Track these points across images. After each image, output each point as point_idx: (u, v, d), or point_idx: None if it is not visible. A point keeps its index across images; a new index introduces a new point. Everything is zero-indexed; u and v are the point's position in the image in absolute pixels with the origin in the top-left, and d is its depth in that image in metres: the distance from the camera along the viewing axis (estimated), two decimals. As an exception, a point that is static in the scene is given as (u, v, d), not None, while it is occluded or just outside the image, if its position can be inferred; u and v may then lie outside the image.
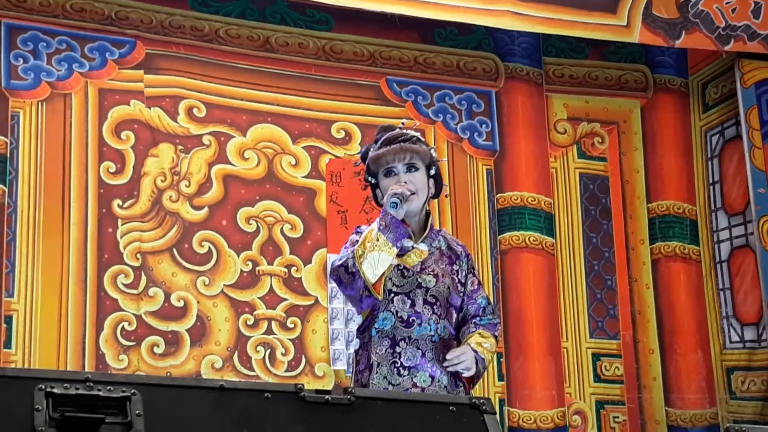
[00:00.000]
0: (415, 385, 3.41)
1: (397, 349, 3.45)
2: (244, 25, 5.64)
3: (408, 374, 3.43)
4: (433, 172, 3.58)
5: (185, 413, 1.74)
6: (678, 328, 6.03)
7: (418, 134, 3.63)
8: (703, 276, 6.10)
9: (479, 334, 3.55)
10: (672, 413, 5.95)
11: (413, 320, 3.46)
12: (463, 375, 3.48)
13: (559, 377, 5.83)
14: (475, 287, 3.65)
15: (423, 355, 3.45)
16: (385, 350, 3.45)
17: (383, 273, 3.40)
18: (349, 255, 3.40)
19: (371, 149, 3.59)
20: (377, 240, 3.37)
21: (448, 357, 3.43)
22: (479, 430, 1.93)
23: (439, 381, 3.45)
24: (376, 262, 3.37)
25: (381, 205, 3.58)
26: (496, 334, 3.61)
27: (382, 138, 3.57)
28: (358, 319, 3.60)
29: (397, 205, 3.39)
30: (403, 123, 3.72)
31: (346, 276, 3.40)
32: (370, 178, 3.60)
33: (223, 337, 5.34)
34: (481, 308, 3.62)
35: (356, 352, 3.57)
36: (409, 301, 3.48)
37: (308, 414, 1.84)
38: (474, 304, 3.62)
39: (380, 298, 3.42)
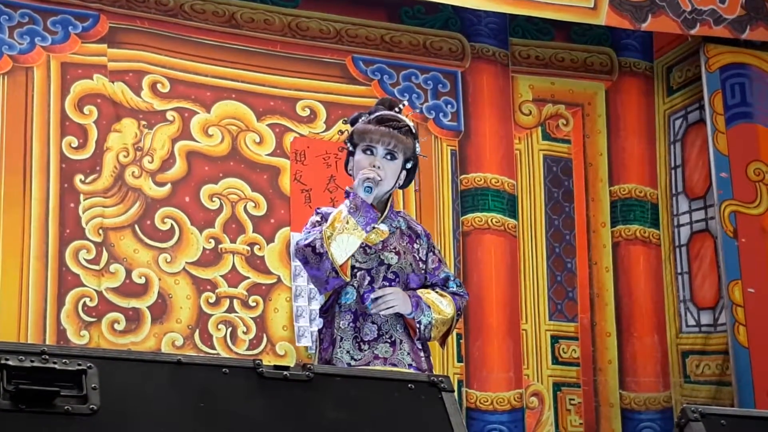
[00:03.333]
0: (376, 357, 3.43)
1: (358, 324, 3.47)
2: (210, 1, 5.59)
3: (368, 348, 3.45)
4: (409, 165, 3.61)
5: (142, 387, 1.74)
6: (635, 311, 6.07)
7: (412, 124, 3.64)
8: (662, 260, 6.15)
9: (437, 291, 3.58)
10: (626, 396, 6.00)
11: (367, 296, 3.48)
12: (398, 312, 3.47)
13: (518, 359, 5.85)
14: (437, 264, 3.67)
15: (379, 329, 3.48)
16: (348, 324, 3.48)
17: (350, 255, 3.41)
18: (317, 236, 3.40)
19: (362, 117, 3.60)
20: (347, 223, 3.39)
21: (372, 296, 3.43)
22: (437, 408, 1.94)
23: (401, 349, 3.47)
24: (345, 245, 3.38)
25: (348, 173, 3.62)
26: (459, 303, 3.61)
27: (377, 113, 3.58)
28: (320, 299, 3.60)
29: (371, 189, 3.40)
30: (404, 104, 3.72)
31: (313, 256, 3.40)
32: (349, 146, 3.60)
33: (185, 315, 5.32)
34: (442, 281, 3.64)
35: (320, 331, 3.59)
36: (369, 278, 3.50)
37: (266, 390, 1.84)
38: (436, 278, 3.64)
39: (348, 279, 3.44)
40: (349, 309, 3.49)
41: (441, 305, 3.55)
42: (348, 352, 3.45)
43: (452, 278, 3.69)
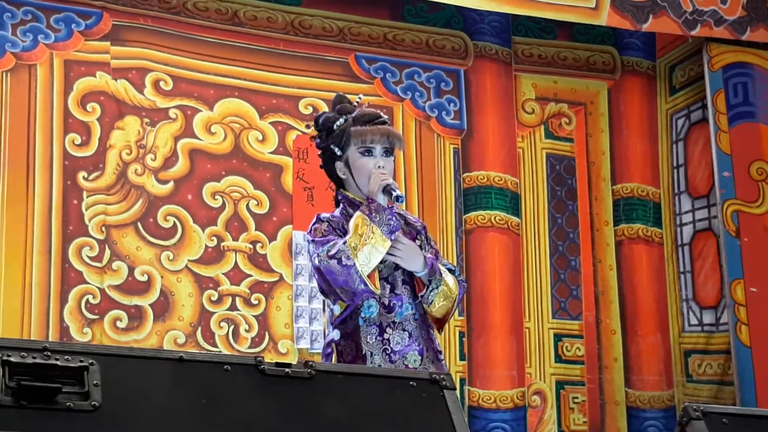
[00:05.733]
0: (407, 367, 3.40)
1: (386, 336, 3.42)
2: (213, -2, 5.61)
3: (399, 358, 3.41)
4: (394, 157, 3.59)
5: (144, 384, 1.74)
6: (639, 310, 6.08)
7: (386, 117, 3.64)
8: (664, 259, 6.15)
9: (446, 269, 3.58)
10: (631, 394, 6.00)
11: (394, 304, 3.45)
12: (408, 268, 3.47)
13: (521, 357, 5.85)
14: (434, 256, 3.65)
15: (410, 335, 3.45)
16: (375, 338, 3.42)
17: (377, 265, 3.37)
18: (341, 246, 3.32)
19: (340, 119, 3.53)
20: (372, 232, 3.35)
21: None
22: (439, 406, 1.94)
23: (426, 357, 3.46)
24: (371, 255, 3.34)
25: (333, 177, 3.58)
26: (461, 291, 3.60)
27: (359, 113, 3.54)
28: (335, 309, 3.51)
29: (402, 198, 3.36)
30: (360, 98, 3.69)
31: (339, 268, 3.30)
32: (336, 149, 3.54)
33: (187, 313, 5.32)
34: None
35: (336, 342, 3.49)
36: (389, 285, 3.46)
37: (268, 387, 1.83)
38: None
39: (378, 291, 3.39)
40: (373, 323, 3.43)
41: (449, 280, 3.53)
42: (380, 366, 3.41)
43: (453, 268, 3.68)
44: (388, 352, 3.42)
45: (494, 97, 6.06)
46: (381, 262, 3.42)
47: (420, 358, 3.44)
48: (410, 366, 3.41)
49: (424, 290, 3.48)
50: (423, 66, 5.97)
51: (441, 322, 3.63)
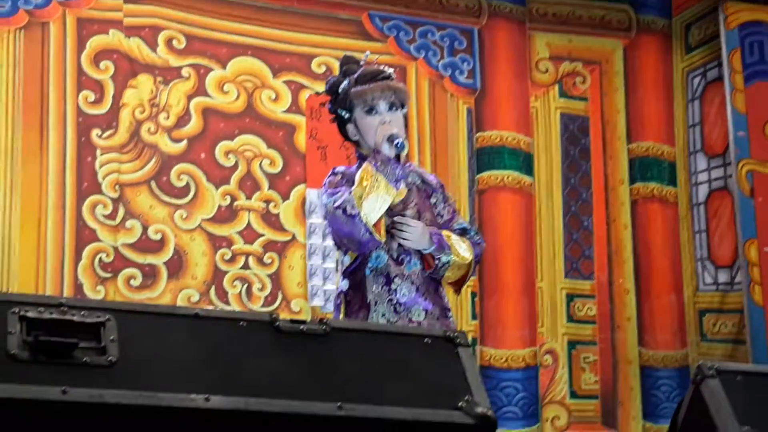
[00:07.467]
0: (411, 321, 3.42)
1: (393, 286, 3.45)
2: (226, -44, 5.57)
3: (404, 311, 3.44)
4: (405, 110, 3.57)
5: (159, 340, 1.74)
6: (653, 269, 6.07)
7: (392, 71, 3.61)
8: (679, 218, 6.13)
9: (457, 234, 3.58)
10: (644, 353, 6.01)
11: (403, 258, 3.48)
12: (416, 248, 3.48)
13: (532, 317, 5.86)
14: (451, 215, 3.67)
15: (417, 289, 3.47)
16: (381, 288, 3.45)
17: (382, 214, 3.39)
18: (347, 197, 3.35)
19: (343, 82, 3.55)
20: (376, 181, 3.35)
21: (396, 218, 3.44)
22: (453, 363, 1.94)
23: (432, 313, 3.47)
24: (376, 204, 3.35)
25: (350, 140, 3.58)
26: (477, 251, 3.61)
27: (361, 72, 3.54)
28: (345, 260, 3.55)
29: (403, 145, 3.38)
30: (367, 55, 3.68)
31: (344, 218, 3.33)
32: (343, 112, 3.56)
33: (200, 271, 5.34)
34: (459, 232, 3.63)
35: (345, 293, 3.53)
36: (393, 241, 3.48)
37: (283, 343, 1.84)
38: (452, 230, 3.63)
39: (383, 239, 3.41)
40: (381, 273, 3.46)
41: (460, 249, 3.54)
42: (383, 315, 3.43)
43: (469, 228, 3.69)
44: (393, 302, 3.45)
45: (508, 56, 6.02)
46: (388, 217, 3.44)
47: (425, 313, 3.47)
48: (414, 320, 3.44)
49: (433, 268, 3.50)
50: (437, 25, 5.93)
51: (458, 285, 3.65)
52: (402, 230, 3.46)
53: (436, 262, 3.49)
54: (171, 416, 1.64)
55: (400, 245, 3.48)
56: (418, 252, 3.50)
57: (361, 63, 3.61)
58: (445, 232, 3.56)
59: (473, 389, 1.88)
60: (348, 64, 3.61)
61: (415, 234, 3.47)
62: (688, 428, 2.07)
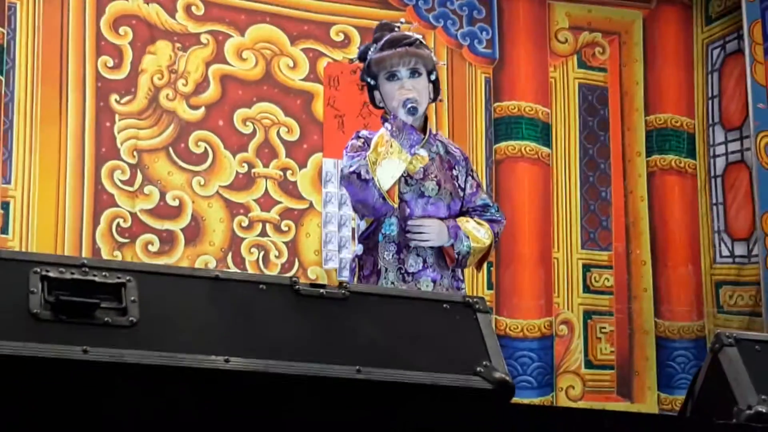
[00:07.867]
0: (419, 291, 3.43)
1: (402, 255, 3.47)
2: None
3: (412, 280, 3.46)
4: (433, 77, 3.56)
5: (180, 301, 1.75)
6: (670, 241, 6.06)
7: (420, 37, 3.59)
8: (697, 190, 6.11)
9: (475, 220, 3.58)
10: (660, 324, 6.01)
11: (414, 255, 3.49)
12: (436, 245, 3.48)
13: (548, 287, 5.87)
14: (474, 189, 3.65)
15: (424, 261, 3.48)
16: (392, 256, 3.47)
17: (396, 180, 3.39)
18: (362, 162, 3.36)
19: (371, 49, 3.55)
20: (391, 146, 3.34)
21: (410, 223, 3.44)
22: (472, 328, 1.94)
23: (440, 284, 3.49)
24: (390, 169, 3.35)
25: (377, 107, 3.58)
26: (496, 230, 3.62)
27: (385, 39, 3.53)
28: (361, 225, 3.57)
29: (415, 110, 3.37)
30: (402, 22, 3.67)
31: (359, 183, 3.35)
32: (369, 79, 3.56)
33: (218, 238, 5.36)
34: (480, 207, 3.63)
35: (359, 257, 3.56)
36: (409, 210, 3.48)
37: (302, 306, 1.84)
38: (473, 204, 3.63)
39: (395, 205, 3.42)
40: (392, 240, 3.48)
41: (479, 234, 3.54)
42: (392, 283, 3.44)
43: (491, 204, 3.68)
44: (402, 271, 3.47)
45: (527, 26, 6.00)
46: (407, 185, 3.44)
47: (433, 284, 3.48)
48: (422, 290, 3.44)
49: (455, 261, 3.52)
50: (456, -7, 5.91)
51: (479, 264, 3.68)
52: (420, 232, 3.46)
53: (457, 255, 3.50)
54: (191, 377, 1.65)
55: (409, 215, 3.47)
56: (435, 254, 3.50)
57: (395, 29, 3.60)
58: (462, 221, 3.55)
59: (491, 355, 1.88)
60: (381, 30, 3.60)
61: (433, 232, 3.47)
62: (706, 397, 2.07)
